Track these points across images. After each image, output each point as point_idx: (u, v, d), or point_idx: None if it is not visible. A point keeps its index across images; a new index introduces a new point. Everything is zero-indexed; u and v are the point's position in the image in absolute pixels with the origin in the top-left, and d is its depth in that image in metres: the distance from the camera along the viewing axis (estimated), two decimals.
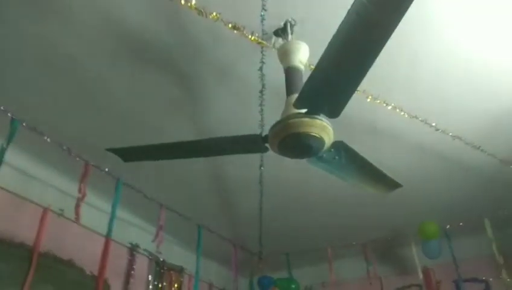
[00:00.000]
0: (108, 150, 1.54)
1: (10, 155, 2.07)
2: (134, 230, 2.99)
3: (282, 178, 2.69)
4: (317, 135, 1.42)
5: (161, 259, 3.14)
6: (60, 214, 2.44)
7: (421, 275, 3.19)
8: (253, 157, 2.29)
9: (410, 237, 3.25)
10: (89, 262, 2.56)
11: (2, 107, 1.89)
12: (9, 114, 1.93)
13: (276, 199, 2.91)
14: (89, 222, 2.60)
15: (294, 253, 3.61)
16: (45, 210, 2.37)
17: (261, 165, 2.40)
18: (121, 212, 2.80)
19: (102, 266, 2.51)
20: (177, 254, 3.33)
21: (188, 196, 2.88)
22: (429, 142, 2.36)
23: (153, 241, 2.67)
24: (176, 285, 3.21)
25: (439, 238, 3.02)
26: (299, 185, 2.80)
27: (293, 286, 3.46)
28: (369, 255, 3.47)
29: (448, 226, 3.06)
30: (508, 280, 3.11)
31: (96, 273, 2.55)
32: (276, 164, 2.49)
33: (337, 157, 1.61)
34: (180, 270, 3.30)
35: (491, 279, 3.30)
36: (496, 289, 3.26)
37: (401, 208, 3.01)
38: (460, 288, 3.41)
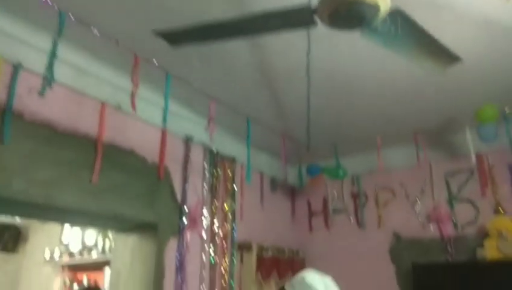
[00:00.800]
0: (155, 32, 1.53)
1: (62, 51, 2.14)
2: (188, 123, 3.12)
3: (331, 67, 2.61)
4: (371, 2, 1.32)
5: (214, 150, 3.31)
6: (118, 107, 2.56)
7: (474, 160, 3.15)
8: (301, 46, 2.21)
9: (465, 122, 3.14)
10: (149, 152, 2.75)
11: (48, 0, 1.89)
12: (55, 7, 1.94)
13: (325, 89, 2.86)
14: (144, 114, 2.73)
15: (342, 142, 3.65)
16: (103, 104, 2.50)
17: (308, 52, 2.32)
18: (174, 106, 2.90)
19: (162, 155, 2.69)
20: (229, 146, 3.48)
21: (237, 88, 2.89)
22: (496, 16, 2.13)
23: (206, 130, 2.78)
24: (229, 173, 3.42)
25: (496, 122, 2.90)
26: (349, 73, 2.70)
27: (341, 173, 3.56)
28: (420, 141, 3.44)
29: (507, 109, 2.91)
30: None
31: (156, 161, 2.75)
32: (324, 50, 2.39)
33: (393, 27, 1.50)
34: (232, 160, 3.48)
35: None
36: None
37: (457, 92, 2.86)
38: None
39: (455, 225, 3.50)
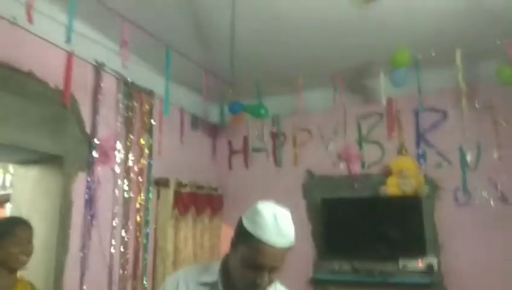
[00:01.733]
0: None
1: None
2: (98, 48, 2.82)
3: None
4: None
5: (130, 80, 3.08)
6: (13, 20, 2.20)
7: (384, 104, 3.34)
8: None
9: (380, 66, 3.28)
10: (51, 75, 2.45)
11: None
12: None
13: (251, 22, 2.75)
14: (46, 32, 2.40)
15: (265, 82, 3.62)
16: None
17: None
18: (82, 27, 2.58)
19: (67, 80, 2.43)
20: (146, 77, 3.26)
21: (157, 13, 2.65)
22: None
23: (119, 56, 2.54)
24: (146, 106, 3.23)
25: (408, 68, 3.06)
26: (276, 11, 2.61)
27: (262, 112, 3.56)
28: (337, 85, 3.54)
29: (419, 56, 3.07)
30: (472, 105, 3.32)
31: (61, 87, 2.48)
32: None
33: None
34: (150, 93, 3.28)
35: (449, 110, 3.51)
36: (453, 120, 3.49)
37: (376, 36, 2.94)
38: (418, 117, 3.64)
39: (362, 164, 3.76)
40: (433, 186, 3.46)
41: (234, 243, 1.34)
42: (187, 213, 3.54)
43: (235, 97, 3.65)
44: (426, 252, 3.34)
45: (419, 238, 3.38)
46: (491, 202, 3.28)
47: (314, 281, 3.69)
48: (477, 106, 3.38)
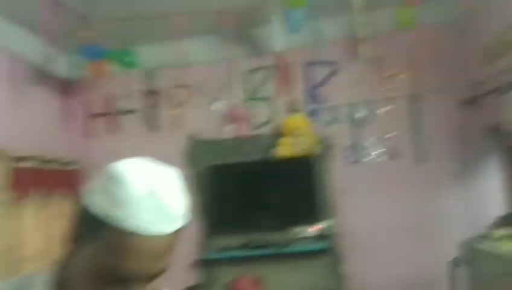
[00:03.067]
0: None
1: None
2: None
3: None
4: None
5: None
6: None
7: (274, 57, 2.94)
8: None
9: (271, 12, 2.83)
10: None
11: None
12: None
13: None
14: None
15: (134, 24, 2.84)
16: None
17: None
18: None
19: None
20: None
21: None
22: None
23: None
24: None
25: (305, 9, 2.66)
26: None
27: (129, 60, 2.82)
28: (223, 35, 3.00)
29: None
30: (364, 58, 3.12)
31: None
32: None
33: None
34: None
35: (342, 62, 3.27)
36: (345, 73, 3.26)
37: None
38: (310, 71, 3.34)
39: (252, 125, 3.33)
40: (326, 145, 3.23)
41: (75, 242, 0.71)
42: (28, 196, 2.64)
43: (92, 40, 2.80)
44: (319, 217, 3.12)
45: (311, 202, 3.13)
46: (382, 159, 3.19)
47: (200, 263, 3.20)
48: (368, 57, 3.21)
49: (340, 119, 3.25)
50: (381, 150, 3.19)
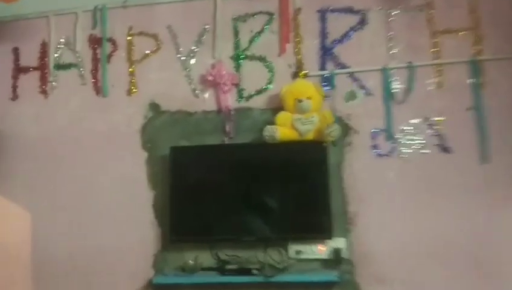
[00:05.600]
0: None
1: None
2: None
3: None
4: None
5: None
6: None
7: None
8: None
9: None
10: None
11: None
12: None
13: None
14: None
15: None
16: None
17: None
18: None
19: None
20: None
21: None
22: None
23: None
24: None
25: None
26: None
27: None
28: None
29: None
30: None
31: None
32: None
33: None
34: None
35: (370, 11, 2.28)
36: (375, 26, 2.27)
37: None
38: (325, 20, 2.33)
39: (240, 93, 2.33)
40: (345, 127, 2.22)
41: None
42: None
43: None
44: (330, 232, 2.10)
45: (320, 209, 2.11)
46: (427, 152, 2.17)
47: (154, 288, 2.18)
48: (411, 4, 2.22)
49: (368, 92, 2.24)
50: (426, 140, 2.18)
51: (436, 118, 2.17)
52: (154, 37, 2.41)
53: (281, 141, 2.15)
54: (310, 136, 2.15)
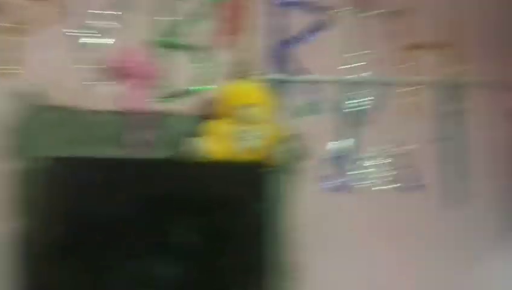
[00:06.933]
0: None
1: None
2: None
3: None
4: None
5: None
6: None
7: None
8: None
9: None
10: None
11: None
12: None
13: None
14: None
15: None
16: None
17: None
18: None
19: None
20: None
21: None
22: None
23: None
24: None
25: None
26: None
27: None
28: None
29: None
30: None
31: None
32: None
33: None
34: None
35: (338, 9, 1.83)
36: (342, 26, 1.82)
37: None
38: (284, 14, 1.84)
39: (159, 92, 1.71)
40: (295, 149, 1.70)
41: None
42: None
43: None
44: (267, 284, 1.53)
45: (255, 254, 1.55)
46: (389, 189, 1.73)
47: None
48: (384, 9, 1.82)
49: (327, 107, 1.77)
50: (389, 173, 1.74)
51: (400, 148, 1.76)
52: (40, 2, 1.70)
53: (209, 160, 1.56)
54: (253, 155, 1.59)
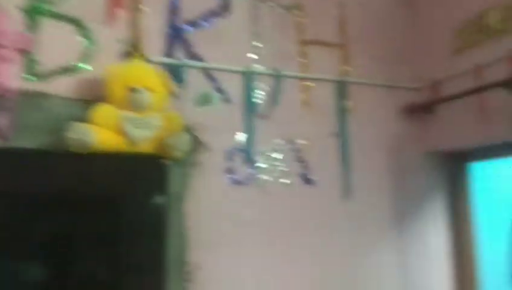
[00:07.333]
0: None
1: None
2: None
3: None
4: None
5: None
6: None
7: None
8: None
9: None
10: None
11: None
12: None
13: None
14: None
15: None
16: None
17: None
18: None
19: None
20: None
21: None
22: None
23: None
24: None
25: None
26: None
27: None
28: None
29: None
30: None
31: None
32: None
33: None
34: None
35: None
36: (239, 14, 1.76)
37: None
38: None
39: (31, 68, 1.42)
40: (194, 140, 1.58)
41: None
42: None
43: None
44: (167, 286, 1.39)
45: (155, 262, 1.39)
46: (289, 182, 1.74)
47: None
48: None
49: (226, 98, 1.69)
50: (289, 167, 1.75)
51: (301, 141, 1.79)
52: None
53: (98, 151, 1.35)
54: (145, 145, 1.42)
